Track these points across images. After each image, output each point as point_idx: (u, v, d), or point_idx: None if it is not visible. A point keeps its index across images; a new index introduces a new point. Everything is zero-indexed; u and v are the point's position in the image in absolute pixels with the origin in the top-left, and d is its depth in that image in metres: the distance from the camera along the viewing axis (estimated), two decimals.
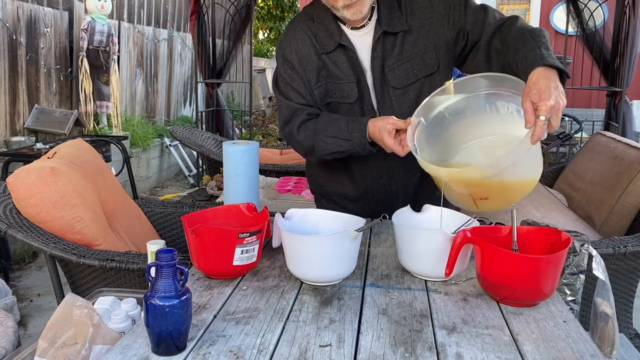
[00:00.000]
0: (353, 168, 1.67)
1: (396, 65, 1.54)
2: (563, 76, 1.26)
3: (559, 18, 7.05)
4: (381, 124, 1.43)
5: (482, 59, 1.51)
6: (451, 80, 1.46)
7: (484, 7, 1.54)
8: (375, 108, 1.57)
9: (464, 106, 1.44)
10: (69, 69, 4.97)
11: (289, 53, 1.59)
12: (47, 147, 3.96)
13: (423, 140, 1.41)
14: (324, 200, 1.79)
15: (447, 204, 1.47)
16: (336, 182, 1.73)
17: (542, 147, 1.34)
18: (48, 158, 1.92)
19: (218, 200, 3.43)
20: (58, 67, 4.84)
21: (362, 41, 1.55)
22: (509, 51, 1.41)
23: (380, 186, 1.67)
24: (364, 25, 1.55)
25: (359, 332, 0.97)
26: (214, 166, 4.16)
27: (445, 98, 1.45)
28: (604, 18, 4.74)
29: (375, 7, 1.55)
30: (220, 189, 3.63)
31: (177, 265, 0.91)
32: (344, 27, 1.56)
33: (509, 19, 1.49)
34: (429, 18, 1.53)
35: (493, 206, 1.33)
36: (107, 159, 4.35)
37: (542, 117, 1.17)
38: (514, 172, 1.25)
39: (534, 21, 7.53)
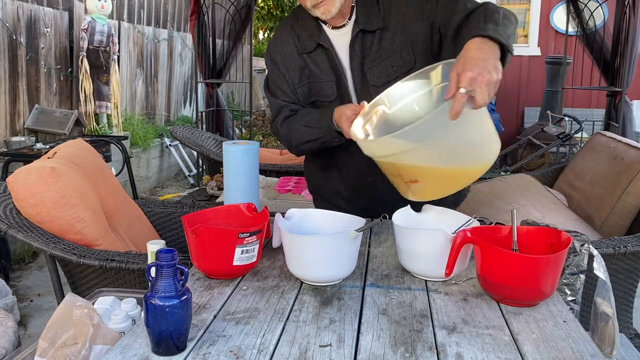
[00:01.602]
0: (341, 164, 1.69)
1: (375, 63, 1.54)
2: (507, 54, 1.19)
3: (559, 18, 7.05)
4: (342, 111, 1.43)
5: (449, 49, 1.45)
6: (417, 72, 1.37)
7: None
8: None
9: (430, 102, 1.36)
10: (69, 69, 4.97)
11: (274, 54, 1.64)
12: (47, 147, 3.95)
13: (385, 131, 1.32)
14: (321, 199, 1.81)
15: (444, 202, 1.47)
16: (329, 179, 1.74)
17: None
18: (48, 158, 1.92)
19: (218, 200, 3.43)
20: (58, 67, 4.83)
21: (341, 40, 1.56)
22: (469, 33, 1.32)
23: (368, 183, 1.66)
24: (344, 25, 1.55)
25: (359, 332, 0.97)
26: (214, 166, 4.16)
27: (411, 89, 1.37)
28: (604, 18, 4.73)
29: (355, 6, 1.55)
30: (220, 189, 3.62)
31: (177, 265, 0.91)
32: (324, 27, 1.57)
33: (481, 5, 1.42)
34: (404, 14, 1.52)
35: (425, 192, 1.28)
36: (107, 159, 4.35)
37: (462, 89, 1.09)
38: (446, 155, 1.19)
39: (533, 21, 7.53)
